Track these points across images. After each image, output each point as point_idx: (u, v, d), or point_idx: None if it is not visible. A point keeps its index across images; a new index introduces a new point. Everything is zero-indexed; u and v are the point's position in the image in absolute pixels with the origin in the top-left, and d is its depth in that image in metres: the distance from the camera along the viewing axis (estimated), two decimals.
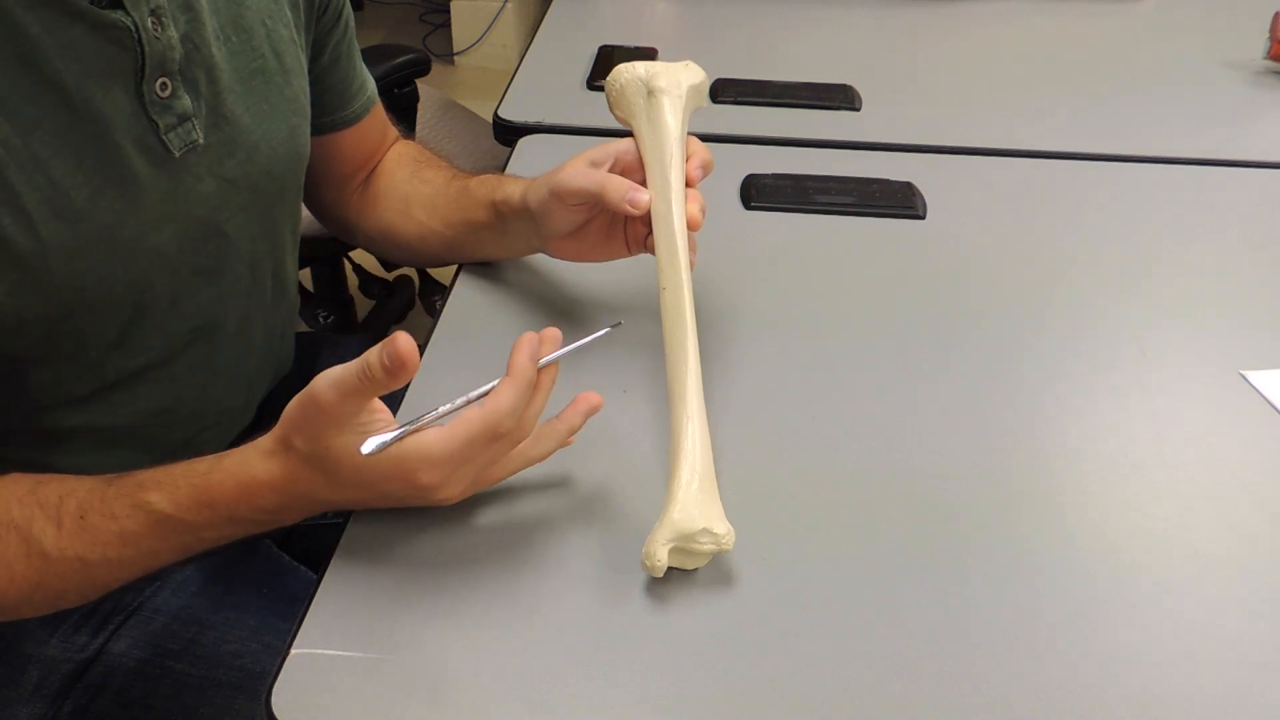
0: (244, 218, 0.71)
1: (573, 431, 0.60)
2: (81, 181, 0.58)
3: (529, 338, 0.56)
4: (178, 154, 0.63)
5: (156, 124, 0.62)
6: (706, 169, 0.70)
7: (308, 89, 0.76)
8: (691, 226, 0.67)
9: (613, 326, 0.62)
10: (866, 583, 0.58)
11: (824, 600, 0.57)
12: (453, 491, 0.57)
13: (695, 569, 0.58)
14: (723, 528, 0.56)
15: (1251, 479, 0.67)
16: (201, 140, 0.65)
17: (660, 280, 0.65)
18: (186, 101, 0.63)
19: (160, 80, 0.61)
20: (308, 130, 0.77)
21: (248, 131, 0.68)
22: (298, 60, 0.74)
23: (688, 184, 0.68)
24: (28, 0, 0.55)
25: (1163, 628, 0.57)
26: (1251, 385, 0.75)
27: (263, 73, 0.69)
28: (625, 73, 0.71)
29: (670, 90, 0.69)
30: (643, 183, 0.69)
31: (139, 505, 0.57)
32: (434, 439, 0.54)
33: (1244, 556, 0.61)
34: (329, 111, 0.82)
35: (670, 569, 0.56)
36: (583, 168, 0.70)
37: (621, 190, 0.67)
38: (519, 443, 0.58)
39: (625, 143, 0.72)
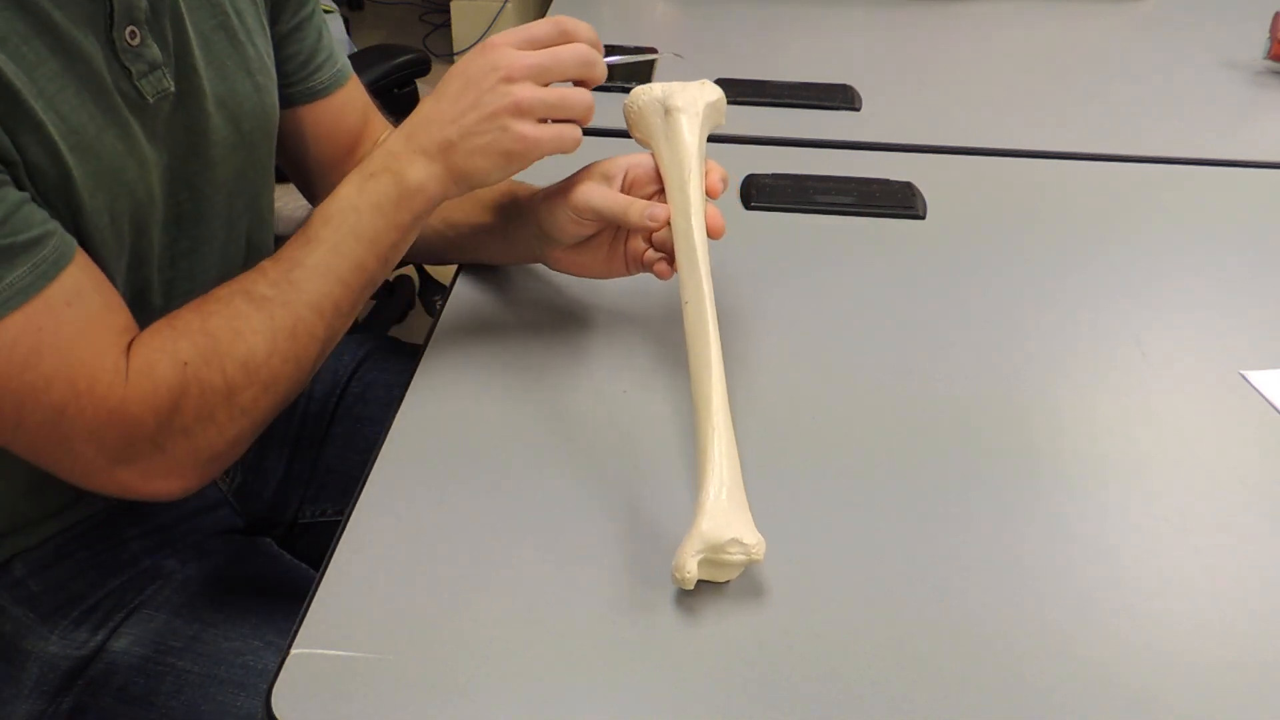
0: (217, 173, 0.72)
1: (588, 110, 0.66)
2: (87, 119, 0.60)
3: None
4: (151, 100, 0.64)
5: (129, 70, 0.63)
6: (725, 182, 0.70)
7: (271, 51, 0.77)
8: (713, 234, 0.67)
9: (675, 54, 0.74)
10: (866, 583, 0.58)
11: (829, 605, 0.57)
12: (514, 61, 0.63)
13: (726, 581, 0.57)
14: (752, 537, 0.55)
15: (1251, 479, 0.67)
16: (173, 88, 0.66)
17: (682, 295, 0.65)
18: (155, 50, 0.64)
19: (129, 28, 0.62)
20: (274, 90, 0.77)
21: (214, 83, 0.70)
22: (259, 21, 0.75)
23: (709, 195, 0.68)
24: None
25: (1163, 627, 0.57)
26: (1251, 385, 0.75)
27: (224, 29, 0.71)
28: (643, 94, 0.71)
29: (687, 108, 0.69)
30: (653, 197, 0.69)
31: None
32: None
33: (1244, 556, 0.61)
34: (295, 81, 0.82)
35: (700, 582, 0.56)
36: (599, 185, 0.70)
37: (641, 209, 0.67)
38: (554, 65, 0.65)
39: (636, 156, 0.72)
